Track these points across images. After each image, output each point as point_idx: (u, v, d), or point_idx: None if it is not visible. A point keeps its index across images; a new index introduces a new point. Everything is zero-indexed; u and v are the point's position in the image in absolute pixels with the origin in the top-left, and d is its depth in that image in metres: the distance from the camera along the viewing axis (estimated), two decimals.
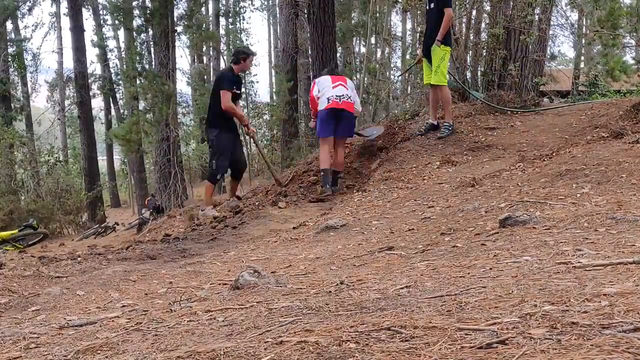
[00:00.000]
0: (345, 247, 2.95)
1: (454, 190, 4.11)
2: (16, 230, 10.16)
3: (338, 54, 14.72)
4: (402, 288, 1.70)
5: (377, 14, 15.39)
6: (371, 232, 3.31)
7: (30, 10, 22.36)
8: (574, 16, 13.18)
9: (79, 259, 3.56)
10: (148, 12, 15.04)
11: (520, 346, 1.00)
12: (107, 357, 1.33)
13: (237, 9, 25.21)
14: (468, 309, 1.30)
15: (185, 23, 15.78)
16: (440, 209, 3.52)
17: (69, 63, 30.59)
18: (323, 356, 1.09)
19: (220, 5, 24.94)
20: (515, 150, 5.54)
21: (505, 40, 8.35)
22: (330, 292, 1.80)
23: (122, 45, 22.78)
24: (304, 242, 3.51)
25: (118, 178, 27.91)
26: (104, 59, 24.13)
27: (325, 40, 8.41)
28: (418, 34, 13.95)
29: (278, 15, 19.17)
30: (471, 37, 9.85)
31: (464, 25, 9.68)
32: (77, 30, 19.42)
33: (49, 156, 18.95)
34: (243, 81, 6.24)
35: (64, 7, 22.09)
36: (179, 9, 16.16)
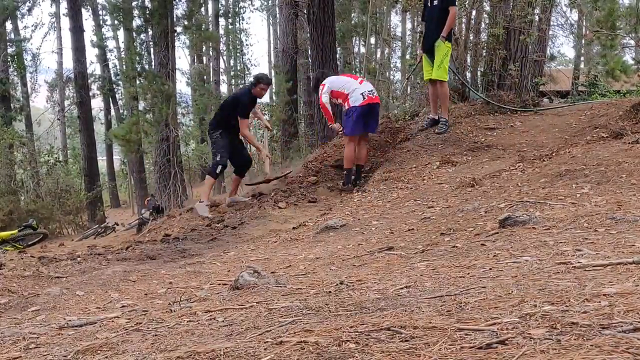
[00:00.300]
0: (345, 247, 2.95)
1: (453, 191, 4.11)
2: (16, 231, 10.15)
3: (338, 54, 14.71)
4: (402, 288, 1.70)
5: (377, 14, 15.38)
6: (371, 232, 3.31)
7: (30, 10, 22.33)
8: (574, 16, 13.19)
9: (78, 259, 3.56)
10: (148, 12, 15.02)
11: (520, 346, 1.00)
12: (107, 357, 1.33)
13: (237, 9, 25.22)
14: (468, 309, 1.30)
15: (185, 23, 15.77)
16: (440, 209, 3.52)
17: (68, 63, 30.59)
18: (323, 356, 1.09)
19: (220, 6, 24.93)
20: (515, 151, 5.54)
21: (505, 40, 8.35)
22: (330, 292, 1.79)
23: (122, 45, 22.78)
24: (303, 242, 3.51)
25: (118, 178, 27.90)
26: (103, 59, 24.11)
27: (325, 40, 8.41)
28: (418, 34, 13.95)
29: (278, 15, 19.17)
30: (471, 37, 9.84)
31: (464, 25, 9.67)
32: (77, 30, 19.40)
33: (48, 156, 18.94)
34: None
35: (63, 7, 22.10)
36: (179, 9, 16.16)
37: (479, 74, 9.34)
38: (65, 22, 21.49)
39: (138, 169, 21.52)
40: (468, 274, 1.78)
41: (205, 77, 24.15)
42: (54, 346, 1.49)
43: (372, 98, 5.69)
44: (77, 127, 22.51)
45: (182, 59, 35.22)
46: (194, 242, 4.32)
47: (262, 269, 2.17)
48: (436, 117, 6.55)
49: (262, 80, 6.27)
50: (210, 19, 23.17)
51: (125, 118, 22.44)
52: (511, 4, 8.67)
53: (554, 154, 4.44)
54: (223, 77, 25.11)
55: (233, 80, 24.28)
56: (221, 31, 23.64)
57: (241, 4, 25.42)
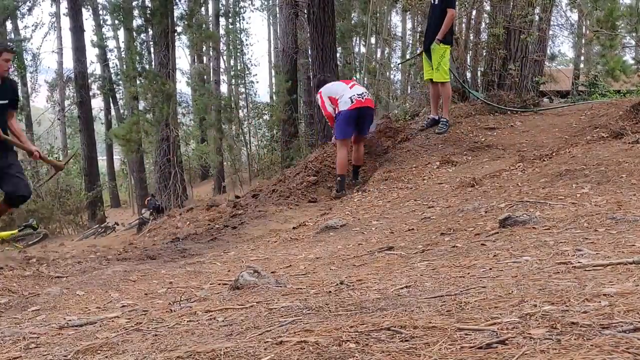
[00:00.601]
0: (345, 247, 2.95)
1: (454, 190, 4.11)
2: (16, 230, 10.15)
3: (338, 54, 14.70)
4: (402, 288, 1.70)
5: (377, 14, 15.38)
6: (371, 232, 3.31)
7: (30, 10, 22.32)
8: (574, 16, 13.18)
9: (78, 259, 3.56)
10: (148, 12, 15.02)
11: (520, 346, 1.00)
12: (107, 357, 1.33)
13: (237, 9, 25.19)
14: (468, 309, 1.30)
15: (185, 23, 15.76)
16: (440, 209, 3.52)
17: (68, 63, 30.53)
18: (323, 356, 1.09)
19: (220, 5, 24.91)
20: (515, 150, 5.54)
21: (505, 40, 8.35)
22: (330, 292, 1.79)
23: (122, 45, 22.75)
24: (303, 242, 3.51)
25: (118, 178, 27.89)
26: (103, 59, 24.10)
27: (325, 40, 8.40)
28: (418, 34, 13.95)
29: (278, 15, 19.16)
30: (471, 37, 9.85)
31: (464, 25, 9.68)
32: (77, 30, 19.40)
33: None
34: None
35: (63, 7, 22.06)
36: (179, 9, 16.15)
37: (479, 73, 9.34)
38: (66, 22, 21.48)
39: (138, 168, 21.53)
40: (468, 273, 1.78)
41: (205, 77, 24.14)
42: (54, 346, 1.49)
43: (362, 102, 5.62)
44: (77, 127, 22.49)
45: (182, 58, 35.23)
46: (194, 242, 4.32)
47: (262, 268, 2.17)
48: (436, 117, 6.56)
49: None
50: (210, 18, 23.16)
51: (125, 118, 22.43)
52: (511, 3, 8.67)
53: (554, 154, 4.44)
54: (223, 77, 25.10)
55: (233, 80, 24.27)
56: (221, 31, 23.62)
57: (241, 3, 25.40)
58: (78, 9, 19.83)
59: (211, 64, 25.23)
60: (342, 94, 5.71)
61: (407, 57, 17.33)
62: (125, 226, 14.71)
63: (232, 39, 23.52)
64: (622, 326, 1.03)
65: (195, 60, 25.45)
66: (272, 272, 2.39)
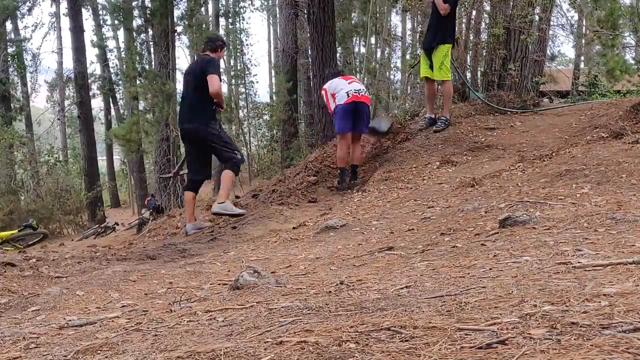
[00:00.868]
0: (345, 247, 2.95)
1: (453, 190, 4.11)
2: (16, 230, 10.16)
3: (338, 54, 14.71)
4: (402, 288, 1.70)
5: (377, 14, 15.38)
6: (371, 232, 3.31)
7: (30, 10, 22.36)
8: (574, 16, 13.19)
9: (78, 259, 3.56)
10: (148, 12, 15.02)
11: (520, 346, 1.00)
12: (107, 357, 1.33)
13: (237, 9, 25.21)
14: (468, 309, 1.30)
15: (186, 23, 15.77)
16: (440, 209, 3.52)
17: (68, 63, 30.56)
18: (323, 356, 1.09)
19: (220, 5, 24.93)
20: (515, 151, 5.54)
21: (505, 40, 8.36)
22: (330, 292, 1.79)
23: (122, 45, 22.77)
24: (303, 242, 3.51)
25: (118, 178, 27.91)
26: (103, 59, 24.11)
27: (325, 40, 8.41)
28: (418, 34, 13.95)
29: (278, 15, 19.17)
30: (471, 37, 9.85)
31: (464, 25, 9.68)
32: (77, 30, 19.41)
33: (48, 156, 18.96)
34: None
35: (63, 7, 22.09)
36: (179, 9, 16.16)
37: (479, 74, 9.34)
38: (66, 22, 21.51)
39: (138, 169, 21.53)
40: (468, 273, 1.78)
41: None
42: (54, 346, 1.49)
43: (358, 97, 5.70)
44: (77, 127, 22.52)
45: (183, 58, 35.23)
46: (194, 242, 4.32)
47: (262, 268, 2.17)
48: (433, 116, 6.58)
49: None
50: (210, 18, 23.17)
51: (125, 118, 22.45)
52: (511, 3, 8.68)
53: (554, 154, 4.44)
54: (223, 77, 25.11)
55: (233, 80, 24.29)
56: (221, 31, 23.63)
57: (241, 3, 25.43)
58: (78, 9, 19.84)
59: None
60: (340, 89, 5.80)
61: (407, 57, 17.33)
62: (125, 226, 14.72)
63: (232, 39, 23.53)
64: (622, 326, 1.03)
65: None
66: (272, 272, 2.39)
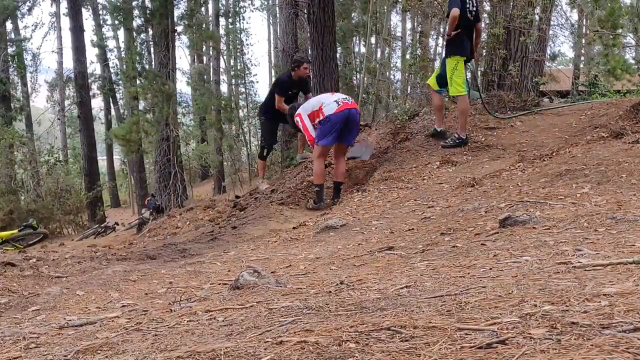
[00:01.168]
0: (345, 247, 2.95)
1: (454, 190, 4.11)
2: (16, 230, 10.16)
3: (338, 54, 14.70)
4: (402, 288, 1.70)
5: (377, 14, 15.38)
6: (371, 232, 3.31)
7: (30, 10, 22.36)
8: (574, 16, 13.19)
9: (78, 259, 3.56)
10: (148, 12, 15.01)
11: (520, 346, 1.00)
12: (107, 357, 1.33)
13: (237, 9, 25.20)
14: (468, 309, 1.30)
15: (186, 23, 15.75)
16: (440, 209, 3.52)
17: (68, 63, 30.56)
18: (323, 356, 1.09)
19: (220, 5, 24.92)
20: (515, 150, 5.54)
21: (505, 40, 8.36)
22: (330, 292, 1.79)
23: (122, 45, 22.77)
24: (304, 242, 3.51)
25: (118, 178, 27.91)
26: (103, 59, 24.11)
27: (325, 40, 8.40)
28: (418, 34, 13.95)
29: (278, 15, 19.15)
30: None
31: None
32: (77, 30, 19.40)
33: (49, 156, 18.95)
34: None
35: (63, 7, 22.10)
36: (179, 9, 16.15)
37: (479, 74, 9.34)
38: (66, 22, 21.51)
39: (138, 168, 21.52)
40: (468, 273, 1.78)
41: (205, 76, 24.14)
42: (54, 346, 1.49)
43: (348, 104, 5.23)
44: (77, 127, 22.52)
45: (183, 58, 35.24)
46: (194, 242, 4.33)
47: (262, 268, 2.17)
48: (439, 130, 6.25)
49: (298, 62, 6.68)
50: (210, 18, 23.17)
51: (125, 118, 22.45)
52: (511, 3, 8.68)
53: (554, 154, 4.44)
54: (223, 77, 25.13)
55: (233, 80, 24.28)
56: (221, 31, 23.63)
57: (241, 3, 25.42)
58: (78, 9, 19.84)
59: (211, 64, 25.24)
60: (324, 101, 5.32)
61: (407, 57, 17.33)
62: (125, 226, 14.71)
63: (232, 39, 23.53)
64: (622, 326, 1.03)
65: (195, 60, 25.44)
66: (272, 272, 2.39)
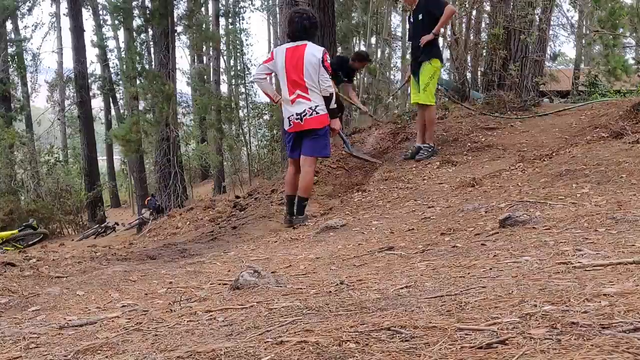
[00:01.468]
0: (345, 247, 2.95)
1: (454, 190, 4.11)
2: (16, 230, 10.18)
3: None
4: (402, 288, 1.70)
5: (377, 14, 15.38)
6: (371, 232, 3.31)
7: (30, 10, 22.37)
8: (575, 16, 13.20)
9: (78, 259, 3.56)
10: (148, 12, 15.02)
11: (520, 346, 1.00)
12: (107, 357, 1.33)
13: (237, 9, 25.21)
14: (468, 309, 1.30)
15: (186, 23, 15.77)
16: (440, 209, 3.52)
17: (68, 63, 30.56)
18: (323, 356, 1.09)
19: (220, 6, 24.91)
20: (515, 150, 5.54)
21: (505, 40, 8.36)
22: (330, 292, 1.79)
23: (122, 45, 22.76)
24: (304, 242, 3.51)
25: (118, 178, 27.90)
26: (103, 59, 24.11)
27: (325, 40, 8.40)
28: None
29: (278, 15, 19.16)
30: (471, 37, 9.86)
31: (464, 25, 9.69)
32: (77, 30, 19.41)
33: (49, 156, 18.96)
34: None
35: (63, 7, 22.10)
36: (179, 9, 16.17)
37: (479, 74, 9.35)
38: (66, 22, 21.52)
39: (138, 169, 21.51)
40: (468, 273, 1.78)
41: (205, 76, 24.14)
42: (54, 346, 1.49)
43: (300, 124, 4.35)
44: (77, 127, 22.52)
45: (183, 58, 35.23)
46: (194, 242, 4.32)
47: (262, 268, 2.17)
48: (420, 145, 5.83)
49: (365, 59, 7.27)
50: (210, 18, 23.16)
51: (125, 118, 22.43)
52: (511, 3, 8.68)
53: (554, 154, 4.44)
54: (223, 77, 25.13)
55: (233, 80, 24.28)
56: (221, 31, 23.63)
57: (241, 3, 25.44)
58: (78, 9, 19.84)
59: (211, 64, 25.24)
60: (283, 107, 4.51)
61: (407, 57, 17.33)
62: (125, 226, 14.72)
63: (232, 39, 23.53)
64: (622, 326, 1.03)
65: (195, 60, 25.46)
66: (272, 272, 2.39)
